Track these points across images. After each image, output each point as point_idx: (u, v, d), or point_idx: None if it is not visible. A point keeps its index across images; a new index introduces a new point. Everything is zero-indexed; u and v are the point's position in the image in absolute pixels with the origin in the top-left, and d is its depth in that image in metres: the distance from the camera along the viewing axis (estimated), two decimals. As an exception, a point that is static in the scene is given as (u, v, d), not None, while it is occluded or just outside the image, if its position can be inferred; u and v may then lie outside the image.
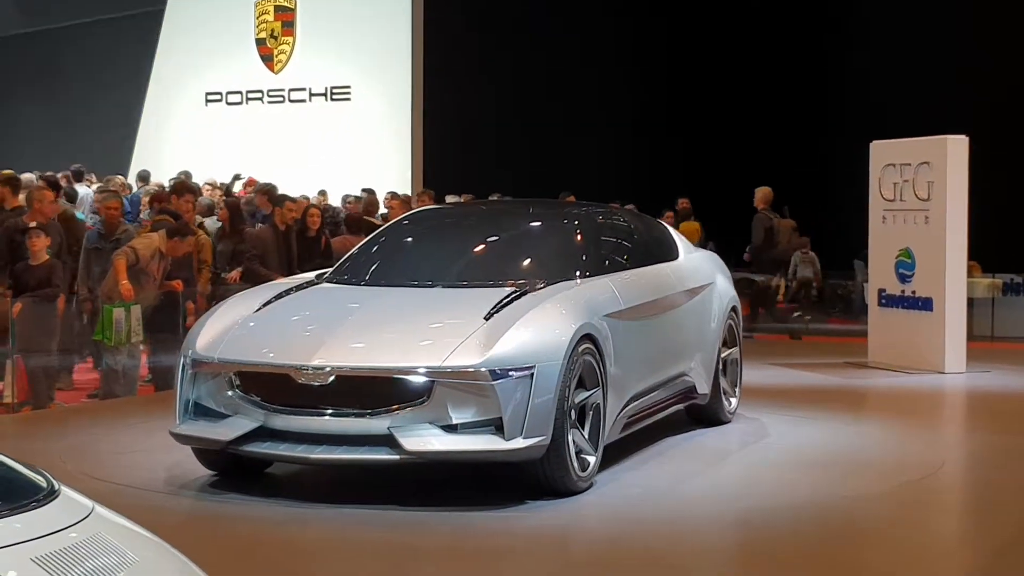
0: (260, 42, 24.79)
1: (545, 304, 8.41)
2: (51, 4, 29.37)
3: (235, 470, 8.55)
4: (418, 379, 7.81)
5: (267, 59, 24.76)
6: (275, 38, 24.67)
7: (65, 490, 3.79)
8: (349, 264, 9.74)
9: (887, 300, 15.24)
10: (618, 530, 7.93)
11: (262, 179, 18.92)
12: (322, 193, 19.55)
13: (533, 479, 8.09)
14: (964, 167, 14.57)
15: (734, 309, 11.27)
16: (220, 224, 15.94)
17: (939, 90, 25.17)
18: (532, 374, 7.75)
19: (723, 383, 10.76)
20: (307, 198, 18.25)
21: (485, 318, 8.14)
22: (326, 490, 8.54)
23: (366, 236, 14.68)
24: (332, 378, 7.82)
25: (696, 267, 10.94)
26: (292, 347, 8.14)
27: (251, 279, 14.45)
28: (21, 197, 13.60)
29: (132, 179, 21.90)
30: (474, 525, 7.74)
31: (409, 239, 10.19)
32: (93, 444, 10.16)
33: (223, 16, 25.13)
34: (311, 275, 9.86)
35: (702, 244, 20.41)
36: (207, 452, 8.48)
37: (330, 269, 9.95)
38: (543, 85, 25.04)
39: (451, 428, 7.81)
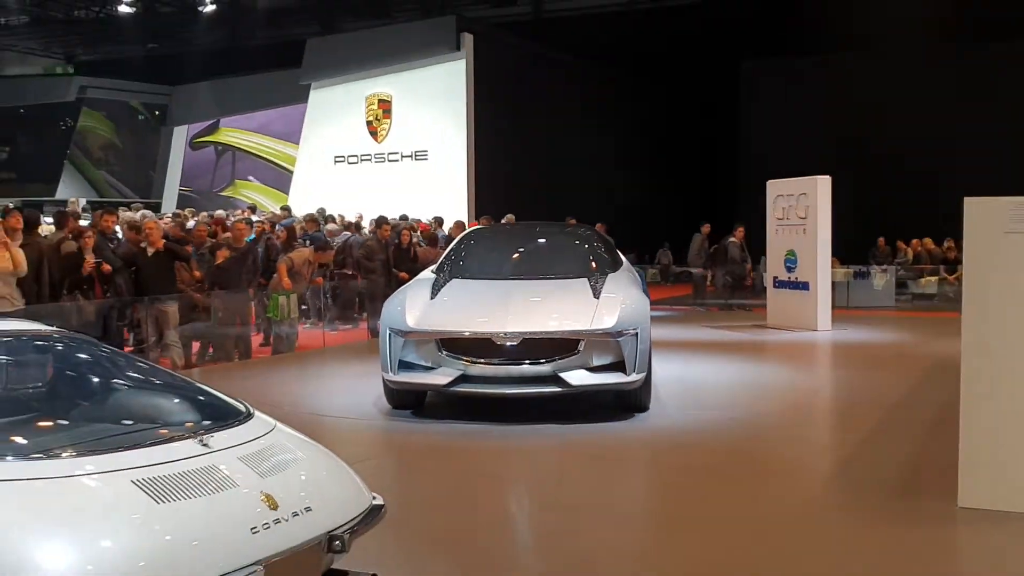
0: (368, 122, 24.80)
1: (630, 289, 8.49)
2: (239, 101, 29.46)
3: (412, 404, 8.31)
4: (574, 338, 7.75)
5: (373, 133, 24.74)
6: (378, 119, 24.67)
7: (256, 413, 3.82)
8: (453, 265, 9.17)
9: (779, 284, 15.21)
10: (697, 428, 7.84)
11: (371, 213, 18.92)
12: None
13: (629, 400, 8.11)
14: (828, 196, 14.57)
15: None
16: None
17: (813, 145, 25.15)
18: (637, 333, 7.80)
19: None
20: (406, 218, 18.19)
21: (595, 297, 8.12)
22: (473, 415, 8.06)
23: (438, 248, 14.81)
24: (520, 340, 7.70)
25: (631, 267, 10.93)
26: (487, 320, 7.89)
27: (361, 269, 14.84)
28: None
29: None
30: (601, 435, 7.58)
31: (485, 248, 9.71)
32: (275, 382, 10.15)
33: (344, 106, 25.16)
34: (430, 272, 9.29)
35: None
36: (400, 392, 8.16)
37: (433, 267, 9.45)
38: (549, 149, 25.11)
39: (592, 369, 7.80)
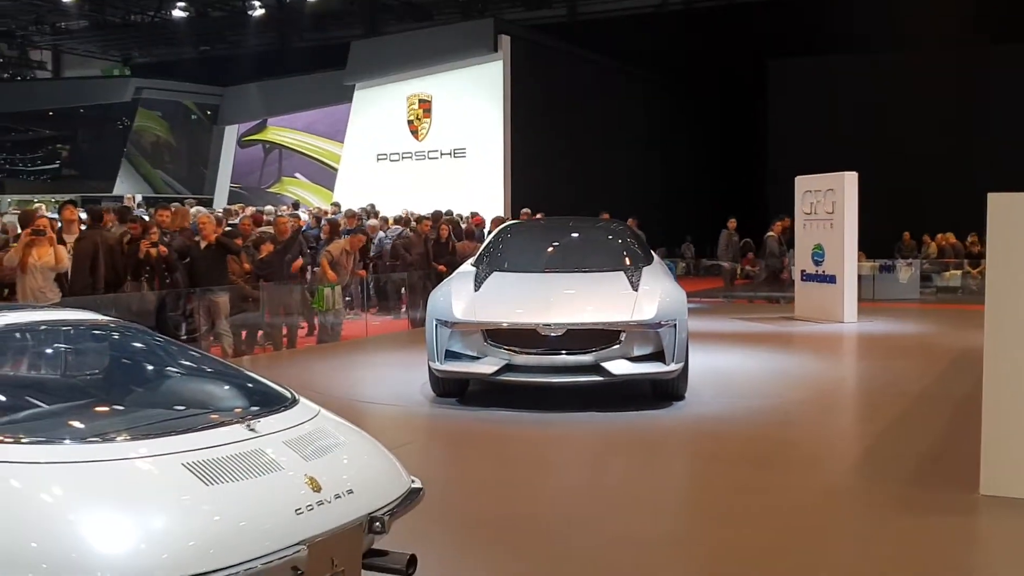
0: (410, 121, 24.86)
1: (666, 281, 8.39)
2: (286, 102, 29.66)
3: (456, 392, 8.25)
4: (616, 329, 7.67)
5: (414, 132, 24.79)
6: (419, 119, 24.71)
7: (302, 399, 3.84)
8: (492, 258, 9.01)
9: (807, 277, 15.07)
10: (729, 416, 7.79)
11: (415, 209, 18.98)
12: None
13: (667, 388, 8.04)
14: (855, 192, 14.40)
15: None
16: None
17: (840, 141, 24.88)
18: (676, 324, 7.73)
19: None
20: (451, 212, 18.17)
21: (634, 289, 8.03)
22: (515, 403, 7.99)
23: (477, 242, 14.77)
24: (564, 331, 7.63)
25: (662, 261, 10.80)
26: (531, 312, 7.80)
27: (396, 258, 14.97)
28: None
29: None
30: (639, 422, 7.53)
31: (522, 242, 9.52)
32: (321, 370, 10.18)
33: (386, 106, 25.23)
34: (470, 265, 9.11)
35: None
36: (445, 380, 8.10)
37: (472, 260, 9.32)
38: (582, 147, 25.01)
39: (633, 359, 7.72)
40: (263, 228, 13.41)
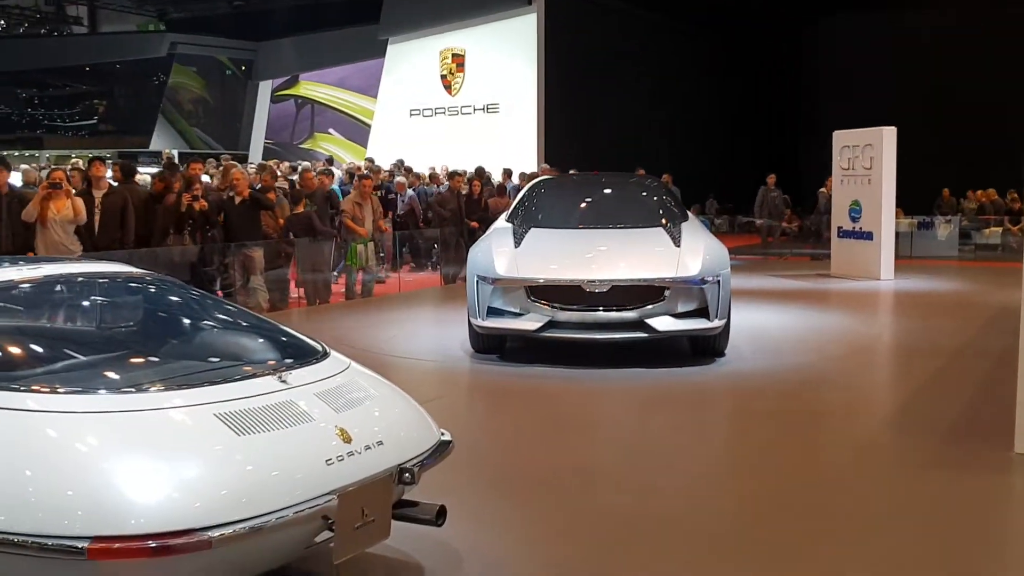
0: (443, 76, 24.72)
1: (708, 237, 8.35)
2: (320, 57, 29.59)
3: (496, 348, 8.19)
4: (661, 285, 7.61)
5: (447, 87, 24.67)
6: (452, 73, 24.56)
7: (332, 352, 3.87)
8: (527, 213, 8.88)
9: (843, 233, 14.93)
10: (768, 372, 7.79)
11: (451, 165, 18.94)
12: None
13: (708, 344, 7.99)
14: (893, 147, 14.23)
15: None
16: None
17: (878, 96, 24.50)
18: (719, 280, 7.69)
19: None
20: (483, 170, 18.16)
21: (676, 246, 7.96)
22: (554, 359, 7.91)
23: (508, 197, 14.72)
24: (608, 287, 7.58)
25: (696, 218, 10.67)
26: (575, 268, 7.73)
27: (436, 217, 14.91)
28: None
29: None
30: (680, 379, 7.47)
31: (556, 198, 9.39)
32: (354, 326, 10.24)
33: (419, 60, 25.12)
34: (504, 221, 9.04)
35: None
36: (485, 336, 8.02)
37: (505, 215, 9.24)
38: (616, 102, 24.74)
39: (677, 315, 7.68)
40: (278, 184, 13.45)
